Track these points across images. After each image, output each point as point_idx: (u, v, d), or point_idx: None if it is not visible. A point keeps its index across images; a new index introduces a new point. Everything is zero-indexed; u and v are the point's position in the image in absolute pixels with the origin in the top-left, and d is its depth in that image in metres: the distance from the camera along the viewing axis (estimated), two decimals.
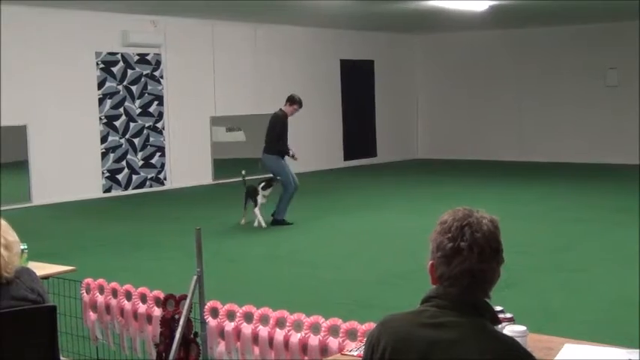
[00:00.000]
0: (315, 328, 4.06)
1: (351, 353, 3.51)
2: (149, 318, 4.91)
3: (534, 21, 19.17)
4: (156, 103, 16.49)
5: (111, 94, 15.74)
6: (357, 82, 21.05)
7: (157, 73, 16.48)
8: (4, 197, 12.73)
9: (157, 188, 16.53)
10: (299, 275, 8.83)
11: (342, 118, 20.72)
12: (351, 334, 3.90)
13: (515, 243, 9.32)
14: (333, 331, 3.99)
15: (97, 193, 15.52)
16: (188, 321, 4.68)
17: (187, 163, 17.04)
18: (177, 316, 4.72)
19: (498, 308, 2.92)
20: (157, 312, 4.86)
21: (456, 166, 20.32)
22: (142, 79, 16.24)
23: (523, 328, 3.06)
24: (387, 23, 19.11)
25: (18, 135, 14.32)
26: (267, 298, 6.13)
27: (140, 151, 16.26)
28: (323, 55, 20.00)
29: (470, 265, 2.33)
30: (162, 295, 4.88)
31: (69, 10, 14.81)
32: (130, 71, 16.00)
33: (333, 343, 3.96)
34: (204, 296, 4.67)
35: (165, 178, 16.74)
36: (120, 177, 15.95)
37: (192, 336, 4.72)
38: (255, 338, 4.33)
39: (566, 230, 11.10)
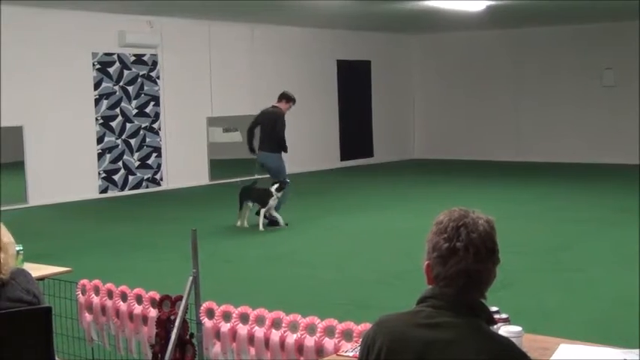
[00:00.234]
0: (310, 329, 4.06)
1: (347, 354, 3.51)
2: (145, 319, 4.90)
3: (531, 21, 19.18)
4: (152, 103, 16.47)
5: (107, 95, 15.72)
6: (353, 83, 21.05)
7: (153, 74, 16.47)
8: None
9: (153, 189, 16.52)
10: (295, 276, 8.82)
11: (339, 119, 20.72)
12: (347, 335, 3.90)
13: (512, 243, 9.33)
14: (329, 331, 3.98)
15: (93, 193, 15.51)
16: (184, 322, 4.67)
17: (184, 164, 17.03)
18: (173, 317, 4.72)
19: (494, 308, 2.92)
20: (153, 313, 4.85)
21: (453, 167, 20.32)
22: (139, 80, 16.23)
23: (518, 328, 3.06)
24: (383, 23, 19.12)
25: (14, 136, 14.30)
26: (264, 299, 6.12)
27: (136, 151, 16.25)
28: (319, 56, 20.00)
29: (466, 266, 2.33)
30: (158, 296, 4.88)
31: (65, 10, 14.80)
32: (126, 72, 15.99)
33: (328, 343, 3.95)
34: (200, 297, 4.67)
35: (161, 179, 16.73)
36: (116, 178, 15.94)
37: (187, 337, 4.72)
38: (251, 339, 4.32)
39: (562, 230, 11.11)
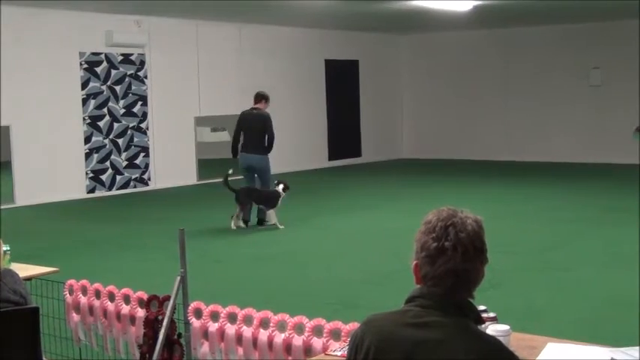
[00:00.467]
0: (298, 329, 4.06)
1: (335, 353, 3.51)
2: (132, 319, 4.89)
3: (518, 21, 19.23)
4: (140, 103, 16.44)
5: (95, 95, 15.68)
6: (341, 82, 21.06)
7: (141, 74, 16.44)
8: None
9: (141, 189, 16.48)
10: (283, 275, 8.82)
11: (327, 118, 20.72)
12: (335, 334, 3.90)
13: (501, 243, 9.35)
14: (317, 331, 3.98)
15: (80, 193, 15.46)
16: (171, 322, 4.66)
17: (172, 164, 17.00)
18: (160, 317, 4.70)
19: (481, 308, 2.92)
20: (141, 313, 4.84)
21: (442, 166, 20.36)
22: (126, 80, 16.19)
23: (506, 327, 3.06)
24: (371, 23, 19.13)
25: (1, 136, 14.24)
26: (252, 299, 6.12)
27: (124, 151, 16.21)
28: (307, 55, 20.00)
29: (454, 265, 2.33)
30: (145, 296, 4.86)
31: (52, 10, 14.75)
32: (113, 71, 15.94)
33: (317, 343, 3.95)
34: (188, 297, 4.66)
35: (149, 179, 16.69)
36: (104, 177, 15.90)
37: (175, 337, 4.71)
38: (239, 339, 4.32)
39: (551, 230, 11.14)
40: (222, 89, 17.75)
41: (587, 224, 11.63)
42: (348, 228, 11.77)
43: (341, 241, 10.82)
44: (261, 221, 11.82)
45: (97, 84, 15.70)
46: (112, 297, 5.02)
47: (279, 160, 17.43)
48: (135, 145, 16.40)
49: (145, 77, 16.53)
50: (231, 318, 4.38)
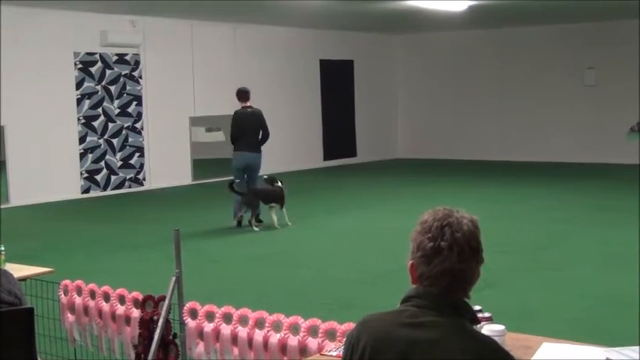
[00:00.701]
0: (294, 329, 4.06)
1: (330, 353, 3.51)
2: (127, 319, 4.88)
3: (513, 21, 19.26)
4: (135, 103, 16.42)
5: (89, 95, 15.66)
6: (336, 82, 21.06)
7: (135, 73, 16.42)
8: None
9: (136, 189, 16.46)
10: (279, 276, 8.82)
11: (322, 118, 20.72)
12: (331, 335, 3.90)
13: (496, 243, 9.36)
14: (313, 331, 3.98)
15: (75, 193, 15.44)
16: (167, 322, 4.66)
17: (167, 164, 16.98)
18: (155, 318, 4.70)
19: (477, 308, 2.92)
20: (136, 313, 4.83)
21: (436, 166, 20.38)
22: (121, 80, 16.17)
23: (501, 327, 3.06)
24: (366, 23, 19.13)
25: None
26: (247, 299, 6.12)
27: (119, 151, 16.19)
28: (302, 55, 20.00)
29: (450, 265, 2.33)
30: (140, 297, 4.86)
31: (47, 9, 14.72)
32: (108, 71, 15.93)
33: (312, 343, 3.95)
34: (183, 297, 4.65)
35: (144, 179, 16.67)
36: (98, 177, 15.88)
37: (170, 337, 4.70)
38: (235, 339, 4.31)
39: (546, 229, 11.15)
40: (217, 89, 17.74)
41: (582, 224, 11.64)
42: (343, 228, 11.77)
43: (336, 241, 10.82)
44: (258, 219, 11.84)
45: (92, 84, 15.68)
46: (107, 297, 5.01)
47: (274, 160, 17.44)
48: (130, 145, 16.38)
49: (140, 77, 16.51)
50: (227, 318, 4.38)
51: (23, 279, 4.95)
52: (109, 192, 15.98)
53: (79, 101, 15.51)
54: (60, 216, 13.78)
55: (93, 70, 15.68)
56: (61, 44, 15.13)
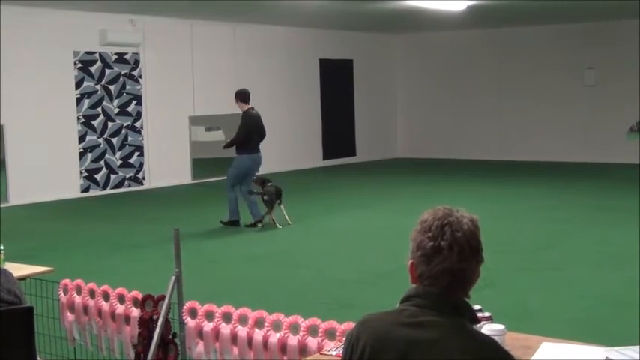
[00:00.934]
0: (294, 328, 4.06)
1: (330, 353, 3.51)
2: (127, 319, 4.88)
3: (513, 21, 19.26)
4: (134, 102, 16.42)
5: (89, 94, 15.66)
6: (336, 82, 21.05)
7: (135, 73, 16.42)
8: None
9: (135, 188, 16.46)
10: (278, 275, 8.81)
11: (321, 118, 20.72)
12: (330, 334, 3.90)
13: (495, 242, 9.35)
14: (312, 330, 3.98)
15: (75, 193, 15.44)
16: (166, 321, 4.66)
17: (166, 163, 16.98)
18: (155, 317, 4.70)
19: (476, 307, 2.92)
20: (135, 312, 4.83)
21: (436, 166, 20.38)
22: (121, 79, 16.17)
23: (501, 326, 3.07)
24: (366, 23, 19.13)
25: None
26: (247, 299, 6.11)
27: (118, 150, 16.19)
28: (302, 55, 20.00)
29: (450, 265, 2.33)
30: (140, 296, 4.86)
31: (47, 9, 14.71)
32: (108, 71, 15.92)
33: (312, 342, 3.95)
34: (183, 296, 4.65)
35: (143, 178, 16.67)
36: (98, 177, 15.87)
37: (170, 336, 4.70)
38: (234, 338, 4.31)
39: (545, 229, 11.15)
40: (216, 89, 17.73)
41: (582, 224, 11.64)
42: (342, 227, 11.77)
43: (336, 240, 10.82)
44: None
45: (92, 83, 15.68)
46: (106, 296, 5.01)
47: (274, 160, 17.43)
48: (129, 145, 16.38)
49: (140, 76, 16.51)
50: (226, 317, 4.38)
51: (23, 278, 4.95)
52: (108, 191, 15.98)
53: (79, 100, 15.51)
54: (59, 215, 13.78)
55: (92, 69, 15.68)
56: (61, 43, 15.13)
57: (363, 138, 21.94)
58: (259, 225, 11.65)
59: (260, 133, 11.97)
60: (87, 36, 15.51)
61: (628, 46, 18.87)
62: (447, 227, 2.35)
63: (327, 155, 20.85)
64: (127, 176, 16.38)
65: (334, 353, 3.45)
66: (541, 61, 20.38)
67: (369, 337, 2.38)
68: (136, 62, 16.44)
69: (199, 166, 17.54)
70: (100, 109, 15.85)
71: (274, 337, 4.11)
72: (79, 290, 5.17)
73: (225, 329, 4.35)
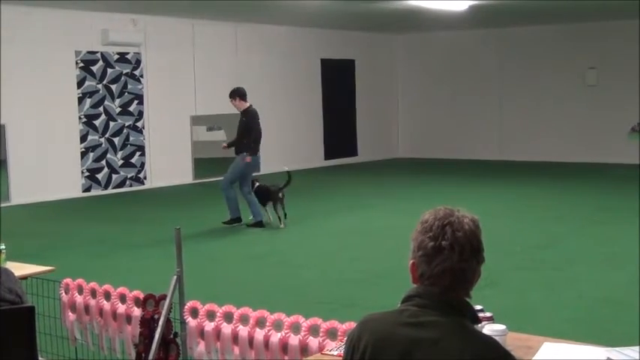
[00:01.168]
0: (295, 328, 4.06)
1: (331, 353, 3.51)
2: (128, 318, 4.88)
3: (514, 21, 19.25)
4: (136, 102, 16.42)
5: (90, 93, 15.66)
6: (337, 82, 21.05)
7: (136, 72, 16.42)
8: None
9: (137, 187, 16.47)
10: (280, 275, 8.81)
11: (323, 118, 20.72)
12: (332, 334, 3.90)
13: (496, 242, 9.34)
14: (314, 330, 3.98)
15: (76, 192, 15.44)
16: (168, 321, 4.65)
17: (168, 163, 16.98)
18: (156, 317, 4.70)
19: (478, 307, 2.92)
20: (137, 312, 4.83)
21: (437, 166, 20.38)
22: (122, 78, 16.17)
23: (502, 327, 3.06)
24: (367, 23, 19.13)
25: None
26: (248, 298, 6.11)
27: (120, 150, 16.19)
28: (304, 55, 19.99)
29: (451, 264, 2.33)
30: (141, 295, 4.86)
31: (48, 8, 14.72)
32: (109, 70, 15.93)
33: (313, 342, 3.95)
34: (184, 296, 4.65)
35: (145, 178, 16.68)
36: (99, 176, 15.88)
37: (171, 336, 4.70)
38: (235, 338, 4.31)
39: (546, 229, 11.14)
40: (218, 88, 17.69)
41: (582, 223, 11.64)
42: (344, 227, 11.77)
43: (337, 240, 10.82)
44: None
45: (93, 83, 15.69)
46: (107, 296, 5.01)
47: (275, 160, 17.43)
48: (131, 144, 16.38)
49: (141, 76, 16.51)
50: (228, 317, 4.38)
51: (24, 277, 4.95)
52: (110, 191, 15.99)
53: (80, 100, 15.51)
54: (61, 215, 13.79)
55: (94, 68, 15.68)
56: (63, 43, 15.14)
57: (364, 138, 21.94)
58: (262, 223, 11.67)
59: (260, 132, 11.95)
60: (89, 35, 15.52)
61: (631, 46, 18.85)
62: (447, 227, 2.35)
63: (328, 155, 20.85)
64: (129, 176, 16.38)
65: (335, 353, 3.45)
66: (543, 61, 20.37)
67: (370, 337, 2.38)
68: (138, 62, 16.44)
69: (201, 165, 17.54)
70: (101, 109, 15.85)
71: (275, 337, 4.11)
72: (80, 290, 5.17)
73: (227, 329, 4.35)
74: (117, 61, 16.05)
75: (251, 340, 4.23)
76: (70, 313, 5.22)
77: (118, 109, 16.13)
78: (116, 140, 16.12)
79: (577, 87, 20.00)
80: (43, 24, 14.82)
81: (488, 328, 3.00)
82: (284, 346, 4.07)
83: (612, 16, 18.20)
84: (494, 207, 12.83)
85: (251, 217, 11.74)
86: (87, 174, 15.67)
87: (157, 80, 16.73)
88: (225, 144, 12.24)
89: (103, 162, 15.92)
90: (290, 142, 19.31)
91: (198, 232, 11.30)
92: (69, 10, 15.00)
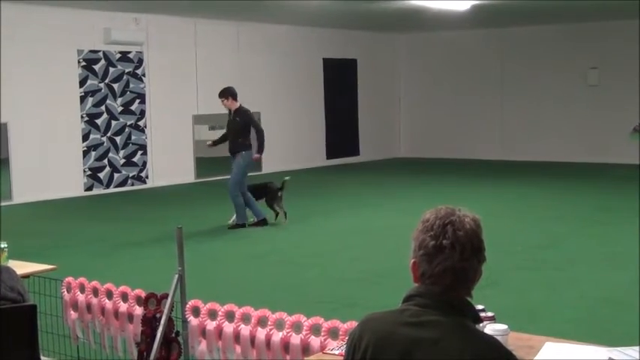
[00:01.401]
0: (296, 327, 4.06)
1: (333, 352, 3.51)
2: (130, 317, 4.89)
3: (516, 20, 19.25)
4: (138, 101, 16.43)
5: (92, 92, 15.67)
6: (339, 81, 21.05)
7: (139, 71, 16.43)
8: None
9: (138, 186, 16.47)
10: (281, 274, 8.82)
11: (325, 117, 20.71)
12: (333, 333, 3.90)
13: (497, 242, 9.34)
14: (315, 330, 3.98)
15: (78, 191, 15.45)
16: (169, 320, 4.66)
17: (169, 162, 16.99)
18: (158, 315, 4.70)
19: (480, 307, 2.93)
20: (139, 311, 4.84)
21: (439, 165, 20.37)
22: (124, 77, 16.17)
23: (504, 326, 3.06)
24: (369, 22, 19.13)
25: None
26: (250, 297, 6.12)
27: (122, 149, 16.20)
28: (306, 54, 19.99)
29: (452, 264, 2.33)
30: (143, 294, 4.86)
31: (50, 7, 14.73)
32: (111, 69, 15.93)
33: (314, 342, 3.95)
34: (186, 295, 4.65)
35: (147, 177, 16.68)
36: (101, 175, 15.89)
37: (173, 335, 4.70)
38: (237, 337, 4.32)
39: (547, 229, 11.14)
40: (220, 87, 17.59)
41: (583, 223, 11.63)
42: (345, 226, 11.77)
43: (338, 239, 10.82)
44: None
45: (95, 82, 15.69)
46: (109, 295, 5.01)
47: (277, 159, 17.44)
48: (133, 143, 16.39)
49: (143, 75, 16.52)
50: (229, 316, 4.38)
51: (26, 276, 4.96)
52: (111, 190, 16.00)
53: (83, 99, 15.52)
54: (62, 213, 13.79)
55: (96, 67, 15.69)
56: (65, 42, 15.15)
57: (366, 137, 21.94)
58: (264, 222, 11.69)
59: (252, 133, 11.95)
60: (91, 34, 15.53)
61: (632, 46, 18.84)
62: (449, 226, 2.35)
63: (330, 154, 20.85)
64: (131, 175, 16.39)
65: (337, 352, 3.46)
66: (544, 61, 20.36)
67: (371, 336, 2.38)
68: (140, 61, 16.45)
69: (203, 164, 17.55)
70: (103, 108, 15.86)
71: (277, 336, 4.12)
72: (82, 288, 5.18)
73: (228, 328, 4.36)
74: (119, 60, 16.05)
75: (253, 339, 4.23)
76: (72, 312, 5.22)
77: (120, 108, 16.13)
78: (118, 139, 16.12)
79: (578, 87, 19.99)
80: (45, 22, 14.83)
81: (489, 328, 3.01)
82: (286, 346, 4.08)
83: (613, 16, 18.19)
84: (495, 207, 12.83)
85: (252, 218, 11.74)
86: (89, 173, 15.68)
87: (159, 79, 16.74)
88: (210, 142, 12.22)
89: (105, 161, 15.93)
90: (292, 142, 19.31)
91: (200, 231, 11.31)
92: (71, 8, 15.00)
